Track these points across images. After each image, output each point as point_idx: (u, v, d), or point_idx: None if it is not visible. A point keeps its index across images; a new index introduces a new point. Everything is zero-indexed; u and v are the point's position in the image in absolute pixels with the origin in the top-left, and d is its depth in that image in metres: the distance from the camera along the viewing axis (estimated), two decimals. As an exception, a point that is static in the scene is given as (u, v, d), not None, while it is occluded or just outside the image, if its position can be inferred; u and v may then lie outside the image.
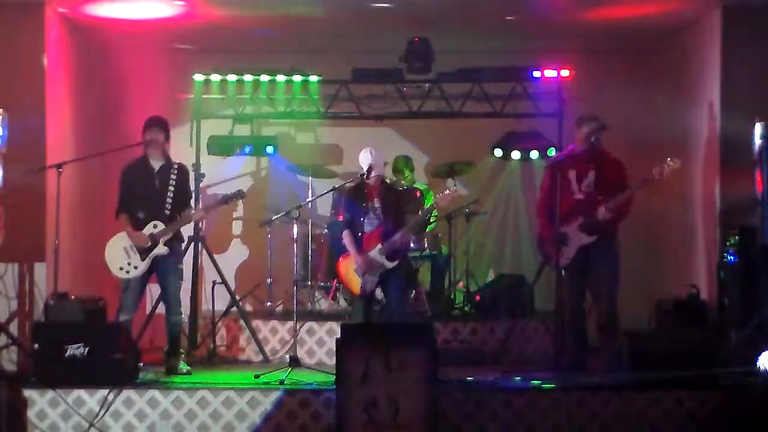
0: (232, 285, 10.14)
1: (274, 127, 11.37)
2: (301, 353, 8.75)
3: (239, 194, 8.56)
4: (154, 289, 8.73)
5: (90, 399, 7.42)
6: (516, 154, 10.37)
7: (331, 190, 9.42)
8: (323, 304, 10.55)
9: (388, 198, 8.66)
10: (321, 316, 9.80)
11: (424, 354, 6.87)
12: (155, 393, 7.49)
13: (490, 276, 11.16)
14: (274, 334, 9.47)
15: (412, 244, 9.47)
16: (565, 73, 9.88)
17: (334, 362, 7.03)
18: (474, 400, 7.40)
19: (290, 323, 8.67)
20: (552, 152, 9.88)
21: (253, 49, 10.83)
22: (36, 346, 7.67)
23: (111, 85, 10.99)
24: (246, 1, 9.39)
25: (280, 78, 9.99)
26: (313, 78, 10.03)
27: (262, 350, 9.28)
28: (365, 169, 8.54)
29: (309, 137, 11.56)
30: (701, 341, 7.67)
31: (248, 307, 10.54)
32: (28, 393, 7.43)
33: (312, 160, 10.95)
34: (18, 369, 8.44)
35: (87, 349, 7.56)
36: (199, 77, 9.97)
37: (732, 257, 8.67)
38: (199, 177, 9.71)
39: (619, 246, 8.32)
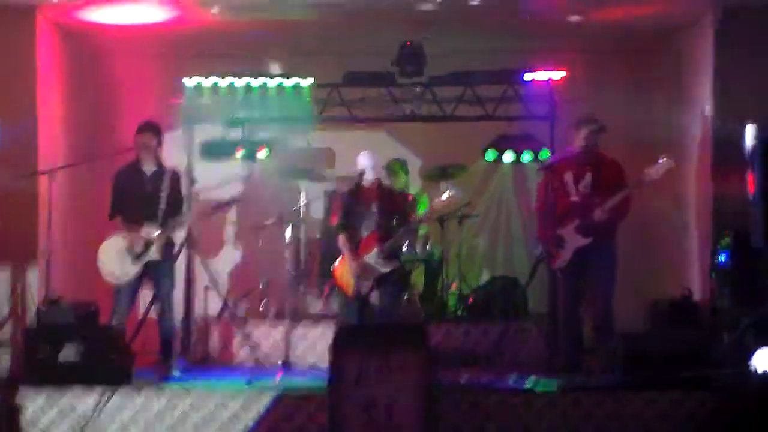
0: (225, 289, 10.11)
1: (266, 131, 11.36)
2: (293, 356, 8.73)
3: (232, 201, 8.55)
4: (146, 294, 8.71)
5: (83, 402, 7.40)
6: (508, 157, 10.33)
7: (327, 193, 9.41)
8: (316, 307, 10.53)
9: (385, 202, 8.62)
10: (314, 319, 9.78)
11: (419, 355, 6.85)
12: (149, 396, 7.47)
13: (484, 278, 11.16)
14: (267, 337, 9.45)
15: (405, 248, 9.45)
16: (556, 75, 9.87)
17: (328, 365, 7.00)
18: (468, 401, 7.39)
19: (283, 326, 8.66)
20: (544, 154, 9.87)
21: (244, 54, 10.81)
22: (29, 350, 7.65)
23: (103, 90, 10.96)
24: (237, 4, 9.38)
25: (272, 82, 9.97)
26: (305, 82, 10.01)
27: (254, 354, 9.26)
28: (362, 172, 8.48)
29: (301, 141, 11.56)
30: (696, 342, 7.68)
31: (241, 311, 10.52)
32: (21, 396, 7.40)
33: (305, 164, 10.94)
34: (11, 373, 8.41)
35: (80, 352, 7.55)
36: (191, 82, 9.95)
37: (725, 258, 8.68)
38: (192, 182, 9.70)
39: (618, 247, 8.33)
